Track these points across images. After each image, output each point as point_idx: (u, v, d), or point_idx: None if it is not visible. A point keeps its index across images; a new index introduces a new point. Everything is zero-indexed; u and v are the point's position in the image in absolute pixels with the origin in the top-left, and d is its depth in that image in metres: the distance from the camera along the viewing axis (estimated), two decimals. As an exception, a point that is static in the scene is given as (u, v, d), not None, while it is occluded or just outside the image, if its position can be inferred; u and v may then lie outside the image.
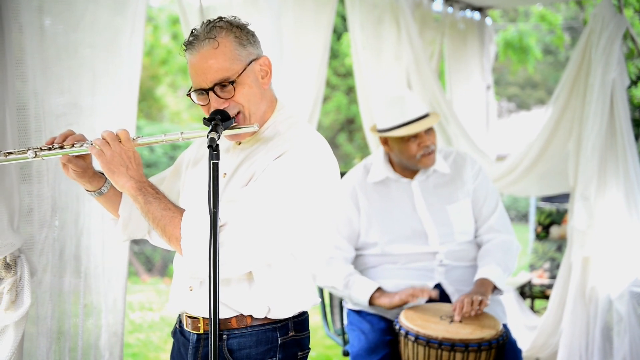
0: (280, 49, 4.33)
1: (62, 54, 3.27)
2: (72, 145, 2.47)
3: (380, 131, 4.06)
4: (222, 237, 2.30)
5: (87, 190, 2.67)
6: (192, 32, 2.50)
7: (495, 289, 3.90)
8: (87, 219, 3.46)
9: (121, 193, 2.68)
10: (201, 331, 2.57)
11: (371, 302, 3.88)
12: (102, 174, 2.65)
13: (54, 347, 3.33)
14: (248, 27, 2.54)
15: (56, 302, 3.36)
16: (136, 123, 3.71)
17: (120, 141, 2.43)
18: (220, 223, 2.29)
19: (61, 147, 2.47)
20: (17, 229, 2.97)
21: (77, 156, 2.52)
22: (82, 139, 2.50)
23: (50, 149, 2.47)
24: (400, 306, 3.80)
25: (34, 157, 2.46)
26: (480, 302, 3.67)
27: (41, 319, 3.22)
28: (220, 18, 2.50)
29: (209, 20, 2.50)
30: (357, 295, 3.90)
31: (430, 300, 3.87)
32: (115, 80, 3.52)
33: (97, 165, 2.56)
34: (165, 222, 2.39)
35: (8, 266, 2.96)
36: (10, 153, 2.49)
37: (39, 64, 3.14)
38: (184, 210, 2.41)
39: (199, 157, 2.70)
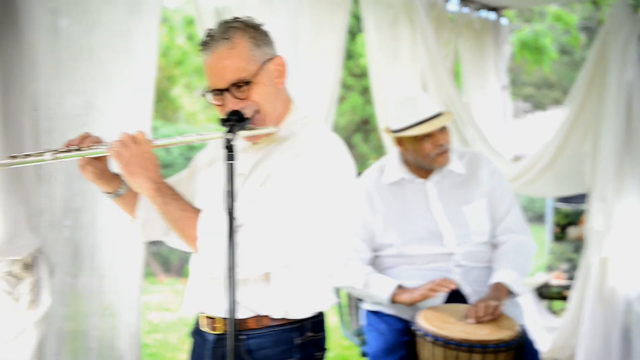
0: (295, 50, 4.33)
1: (78, 55, 3.29)
2: (90, 147, 2.47)
3: (393, 132, 4.05)
4: (239, 237, 2.30)
5: (105, 192, 2.68)
6: (207, 32, 2.51)
7: (510, 292, 3.88)
8: (104, 220, 3.47)
9: (138, 194, 2.69)
10: (219, 331, 2.58)
11: (392, 300, 3.87)
12: (120, 175, 2.66)
13: (67, 348, 3.35)
14: (263, 27, 2.54)
15: (69, 302, 3.37)
16: (152, 124, 3.71)
17: (138, 143, 2.44)
18: (237, 224, 2.29)
19: (78, 149, 2.48)
20: (36, 229, 2.99)
21: (95, 158, 2.53)
22: (99, 141, 2.51)
23: (68, 151, 2.48)
24: (421, 301, 3.79)
25: (52, 159, 2.46)
26: (495, 308, 3.66)
27: (52, 319, 3.24)
28: (236, 18, 2.51)
29: (225, 20, 2.51)
30: (378, 293, 3.89)
31: (448, 300, 3.86)
32: (130, 81, 3.53)
33: (114, 166, 2.57)
34: (184, 222, 2.40)
35: (27, 266, 2.98)
36: (28, 155, 2.49)
37: (53, 65, 3.16)
38: (202, 210, 2.42)
39: (214, 158, 2.71)
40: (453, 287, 3.75)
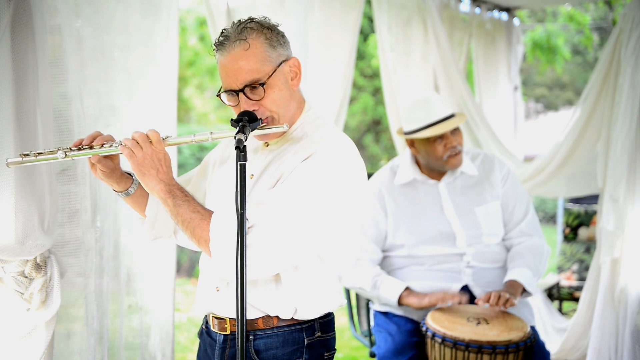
0: (306, 50, 4.33)
1: (95, 56, 3.30)
2: (102, 146, 2.47)
3: (406, 133, 4.05)
4: (249, 239, 2.30)
5: (115, 191, 2.68)
6: (222, 32, 2.49)
7: (524, 291, 3.88)
8: (126, 219, 3.49)
9: (147, 193, 2.68)
10: (228, 332, 2.58)
11: (400, 302, 3.87)
12: (130, 174, 2.66)
13: (98, 348, 3.38)
14: (278, 27, 2.53)
15: (99, 302, 3.40)
16: (175, 124, 3.73)
17: (151, 142, 2.43)
18: (248, 225, 2.29)
19: (91, 147, 2.48)
20: (48, 229, 3.00)
21: (106, 157, 2.52)
22: (111, 139, 2.51)
23: (79, 149, 2.48)
24: (428, 308, 3.79)
25: (64, 158, 2.47)
26: (507, 301, 3.66)
27: (80, 319, 3.27)
28: (251, 19, 2.49)
29: (240, 20, 2.48)
30: (386, 295, 3.89)
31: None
32: (151, 82, 3.55)
33: (124, 165, 2.58)
34: (195, 224, 2.39)
35: (38, 267, 2.99)
36: (40, 153, 2.50)
37: (76, 66, 3.18)
38: (213, 212, 2.42)
39: (225, 157, 2.71)
40: (464, 301, 3.75)
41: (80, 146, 2.49)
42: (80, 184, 3.25)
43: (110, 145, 2.47)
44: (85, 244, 3.27)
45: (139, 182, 2.64)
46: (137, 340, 3.62)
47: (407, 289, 3.88)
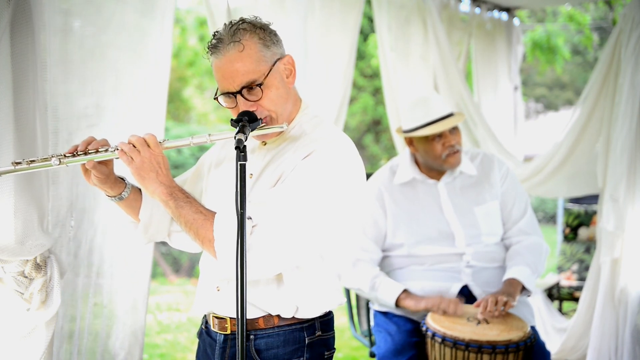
0: (306, 50, 4.33)
1: (90, 56, 3.30)
2: (97, 151, 2.44)
3: (405, 132, 4.05)
4: (253, 239, 2.30)
5: (108, 196, 2.65)
6: (214, 34, 2.48)
7: (523, 289, 3.88)
8: (104, 220, 3.49)
9: (141, 197, 2.67)
10: (228, 331, 2.57)
11: (397, 304, 3.87)
12: (122, 179, 2.65)
13: (66, 347, 3.38)
14: (270, 26, 2.53)
15: (72, 302, 3.40)
16: (164, 125, 3.72)
17: (148, 146, 2.42)
18: (251, 225, 2.29)
19: (85, 153, 2.43)
20: (47, 229, 3.00)
21: (101, 162, 2.48)
22: (105, 144, 2.48)
23: (74, 155, 2.44)
24: (425, 312, 3.79)
25: (58, 164, 2.43)
26: (505, 303, 3.65)
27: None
28: (243, 20, 2.49)
29: (232, 22, 2.48)
30: (384, 297, 3.89)
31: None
32: (141, 81, 3.54)
33: (117, 170, 2.57)
34: (198, 225, 2.39)
35: (38, 267, 2.99)
36: (33, 161, 2.46)
37: (65, 66, 3.17)
38: (215, 212, 2.41)
39: (221, 158, 2.70)
40: (460, 313, 3.73)
41: (75, 152, 2.45)
42: (51, 184, 3.23)
43: (106, 150, 2.44)
44: (58, 243, 3.26)
45: (132, 186, 2.64)
46: (100, 340, 3.60)
47: (404, 291, 3.88)
